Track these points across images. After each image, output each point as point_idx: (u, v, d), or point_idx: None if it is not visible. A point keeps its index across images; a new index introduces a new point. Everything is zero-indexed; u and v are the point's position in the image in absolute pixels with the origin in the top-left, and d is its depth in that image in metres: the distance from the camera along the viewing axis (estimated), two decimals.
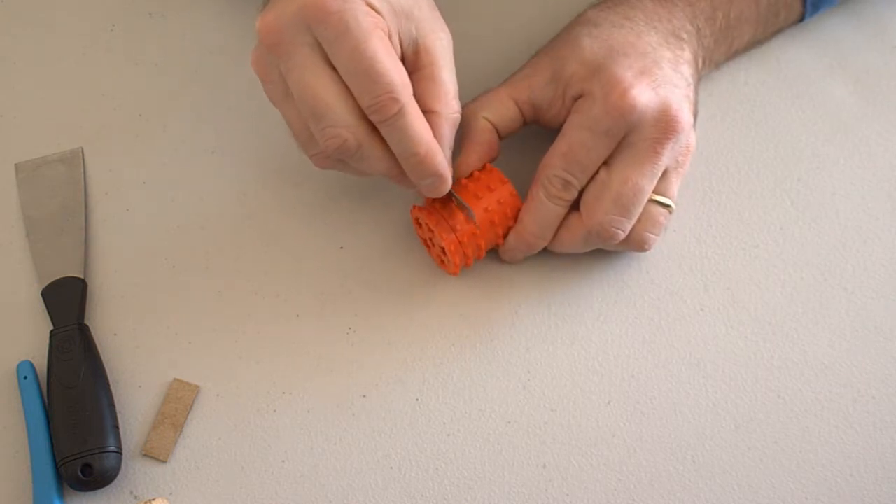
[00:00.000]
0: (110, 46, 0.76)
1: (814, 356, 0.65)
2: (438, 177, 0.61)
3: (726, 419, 0.64)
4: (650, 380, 0.65)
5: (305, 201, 0.70)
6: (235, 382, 0.66)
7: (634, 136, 0.62)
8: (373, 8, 0.57)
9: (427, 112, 0.60)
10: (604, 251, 0.67)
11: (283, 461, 0.64)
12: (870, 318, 0.66)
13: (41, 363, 0.66)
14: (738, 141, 0.71)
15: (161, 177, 0.72)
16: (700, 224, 0.69)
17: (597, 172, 0.63)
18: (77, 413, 0.63)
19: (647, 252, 0.67)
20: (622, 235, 0.63)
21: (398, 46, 0.60)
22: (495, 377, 0.65)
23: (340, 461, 0.63)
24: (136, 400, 0.65)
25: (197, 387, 0.65)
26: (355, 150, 0.59)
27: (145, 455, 0.64)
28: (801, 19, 0.72)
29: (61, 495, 0.62)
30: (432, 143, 0.60)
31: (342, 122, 0.58)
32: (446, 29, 0.62)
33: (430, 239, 0.66)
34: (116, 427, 0.63)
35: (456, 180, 0.63)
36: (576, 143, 0.62)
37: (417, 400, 0.65)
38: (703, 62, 0.68)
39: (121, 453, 0.63)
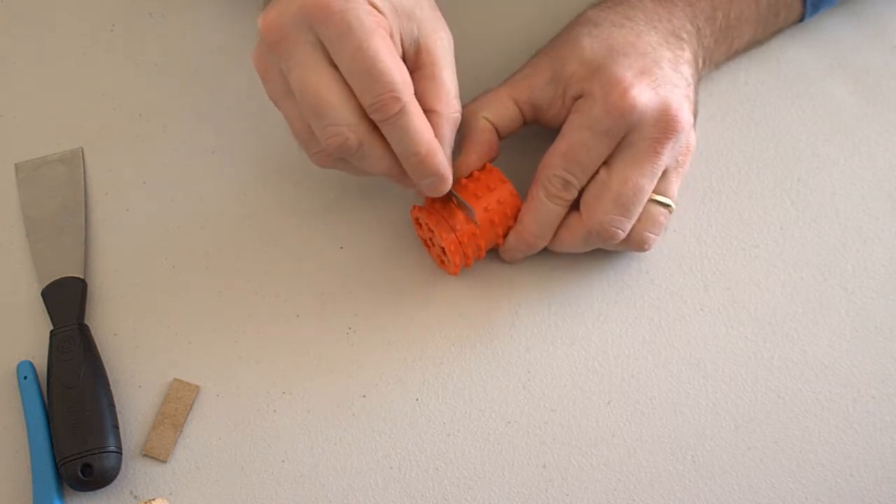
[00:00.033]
0: (110, 46, 0.76)
1: (814, 356, 0.65)
2: (439, 176, 0.61)
3: (726, 419, 0.64)
4: (650, 380, 0.65)
5: (305, 201, 0.70)
6: (235, 382, 0.66)
7: (634, 136, 0.62)
8: (375, 7, 0.57)
9: (428, 112, 0.60)
10: (604, 251, 0.67)
11: (283, 461, 0.64)
12: (870, 318, 0.66)
13: (41, 363, 0.66)
14: (738, 141, 0.71)
15: (161, 177, 0.72)
16: (700, 224, 0.69)
17: (597, 172, 0.63)
18: (77, 413, 0.63)
19: (647, 252, 0.67)
20: (622, 235, 0.63)
21: (400, 46, 0.60)
22: (495, 377, 0.65)
23: (340, 461, 0.63)
24: (136, 400, 0.65)
25: (197, 387, 0.65)
26: (356, 148, 0.59)
27: (145, 455, 0.64)
28: (801, 19, 0.72)
29: (61, 495, 0.62)
30: (433, 143, 0.60)
31: (344, 121, 0.58)
32: (447, 29, 0.63)
33: (430, 239, 0.66)
34: (116, 427, 0.63)
35: (456, 180, 0.63)
36: (576, 143, 0.62)
37: (417, 400, 0.65)
38: (703, 62, 0.68)
39: (121, 453, 0.63)
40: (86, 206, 0.71)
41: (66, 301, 0.67)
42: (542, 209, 0.63)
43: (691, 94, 0.64)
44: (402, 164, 0.60)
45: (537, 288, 0.67)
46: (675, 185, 0.64)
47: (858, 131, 0.71)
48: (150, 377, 0.66)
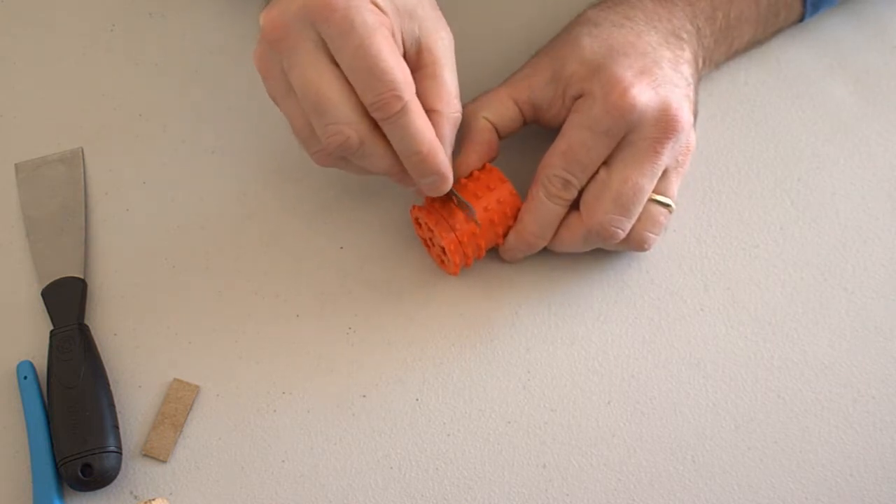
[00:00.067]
0: (110, 46, 0.76)
1: (814, 356, 0.65)
2: (439, 175, 0.61)
3: (726, 419, 0.64)
4: (650, 380, 0.65)
5: (305, 201, 0.70)
6: (235, 382, 0.66)
7: (634, 136, 0.62)
8: (377, 6, 0.57)
9: (428, 111, 0.60)
10: (604, 251, 0.67)
11: (283, 461, 0.64)
12: (870, 318, 0.66)
13: (41, 363, 0.66)
14: (738, 141, 0.71)
15: (161, 177, 0.72)
16: (700, 224, 0.69)
17: (597, 172, 0.63)
18: (77, 413, 0.63)
19: (647, 252, 0.67)
20: (622, 235, 0.63)
21: (401, 45, 0.60)
22: (495, 377, 0.65)
23: (340, 461, 0.63)
24: (136, 400, 0.65)
25: (197, 387, 0.65)
26: (357, 147, 0.59)
27: (145, 455, 0.64)
28: (801, 19, 0.72)
29: (61, 495, 0.62)
30: (434, 142, 0.60)
31: (345, 119, 0.58)
32: (448, 29, 0.63)
33: (430, 239, 0.66)
34: (116, 427, 0.63)
35: (456, 180, 0.63)
36: (576, 143, 0.62)
37: (417, 400, 0.65)
38: (703, 62, 0.68)
39: (121, 453, 0.63)
40: (86, 206, 0.71)
41: (66, 301, 0.67)
42: (542, 209, 0.63)
43: (691, 94, 0.64)
44: (402, 163, 0.60)
45: (537, 288, 0.67)
46: (675, 184, 0.64)
47: (858, 131, 0.71)
48: (150, 377, 0.66)
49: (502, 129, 0.66)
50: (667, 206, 0.64)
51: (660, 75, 0.62)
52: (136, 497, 0.63)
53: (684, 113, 0.62)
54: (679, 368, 0.65)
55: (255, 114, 0.73)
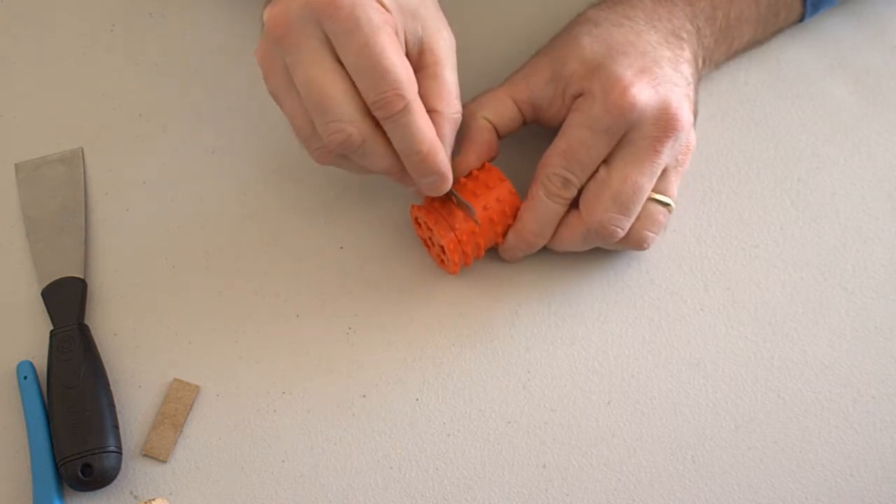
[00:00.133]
0: (110, 46, 0.76)
1: (814, 356, 0.65)
2: (440, 175, 0.61)
3: (726, 419, 0.64)
4: (650, 380, 0.65)
5: (305, 201, 0.70)
6: (235, 382, 0.66)
7: (634, 135, 0.62)
8: (382, 5, 0.57)
9: (429, 111, 0.60)
10: (603, 250, 0.67)
11: (283, 461, 0.64)
12: (870, 318, 0.66)
13: (41, 363, 0.66)
14: (738, 141, 0.71)
15: (161, 177, 0.72)
16: (700, 224, 0.69)
17: (596, 171, 0.63)
18: (77, 413, 0.63)
19: (647, 252, 0.67)
20: (621, 234, 0.63)
21: (404, 44, 0.60)
22: (495, 377, 0.65)
23: (340, 461, 0.63)
24: (136, 400, 0.65)
25: (197, 387, 0.65)
26: (358, 145, 0.59)
27: (145, 455, 0.64)
28: (801, 19, 0.72)
29: (61, 495, 0.62)
30: (435, 142, 0.60)
31: (347, 117, 0.58)
32: (449, 29, 0.63)
33: (430, 238, 0.66)
34: (116, 427, 0.63)
35: (455, 179, 0.63)
36: (575, 142, 0.62)
37: (417, 400, 0.65)
38: (703, 62, 0.68)
39: (121, 453, 0.63)
40: (86, 206, 0.71)
41: (66, 301, 0.67)
42: (542, 207, 0.63)
43: (691, 94, 0.64)
44: (402, 163, 0.60)
45: (537, 288, 0.67)
46: (674, 184, 0.64)
47: (858, 131, 0.71)
48: (150, 377, 0.66)
49: (502, 129, 0.66)
50: (666, 205, 0.64)
51: (660, 74, 0.62)
52: (136, 497, 0.63)
53: (684, 112, 0.62)
54: (679, 368, 0.65)
55: (255, 114, 0.73)
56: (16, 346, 0.67)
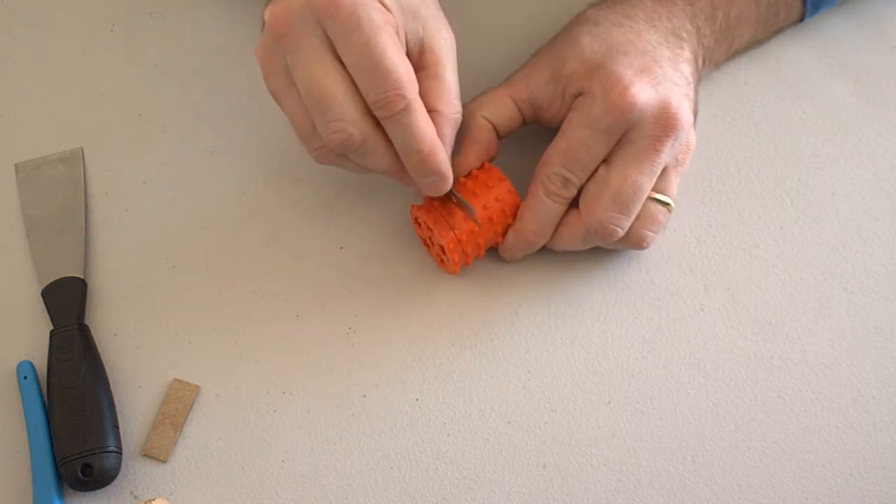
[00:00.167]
0: (110, 46, 0.76)
1: (814, 356, 0.65)
2: (440, 175, 0.61)
3: (726, 419, 0.64)
4: (650, 380, 0.65)
5: (305, 201, 0.70)
6: (235, 382, 0.66)
7: (634, 134, 0.62)
8: (383, 4, 0.57)
9: (430, 111, 0.60)
10: (603, 250, 0.67)
11: (283, 461, 0.64)
12: (870, 318, 0.66)
13: (41, 363, 0.66)
14: (738, 141, 0.71)
15: (161, 177, 0.72)
16: (700, 224, 0.69)
17: (596, 170, 0.63)
18: (77, 413, 0.63)
19: (647, 252, 0.67)
20: (621, 233, 0.63)
21: (405, 44, 0.60)
22: (495, 377, 0.65)
23: (340, 461, 0.63)
24: (136, 400, 0.65)
25: (197, 387, 0.65)
26: (359, 145, 0.59)
27: (145, 455, 0.64)
28: (801, 19, 0.72)
29: (61, 495, 0.62)
30: (435, 142, 0.60)
31: (348, 117, 0.58)
32: (450, 29, 0.63)
33: (430, 238, 0.66)
34: (116, 427, 0.63)
35: (455, 179, 0.63)
36: (575, 141, 0.62)
37: (417, 400, 0.65)
38: (703, 61, 0.68)
39: (121, 453, 0.63)
40: (86, 206, 0.71)
41: (66, 301, 0.67)
42: (542, 207, 0.64)
43: (691, 93, 0.64)
44: (402, 163, 0.60)
45: (537, 288, 0.67)
46: (674, 183, 0.64)
47: (858, 131, 0.71)
48: (150, 377, 0.66)
49: (501, 129, 0.66)
50: (666, 204, 0.64)
51: (659, 74, 0.62)
52: (136, 497, 0.63)
53: (684, 111, 0.62)
54: (679, 368, 0.65)
55: (255, 114, 0.73)
56: (16, 346, 0.67)
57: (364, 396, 0.65)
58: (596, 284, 0.67)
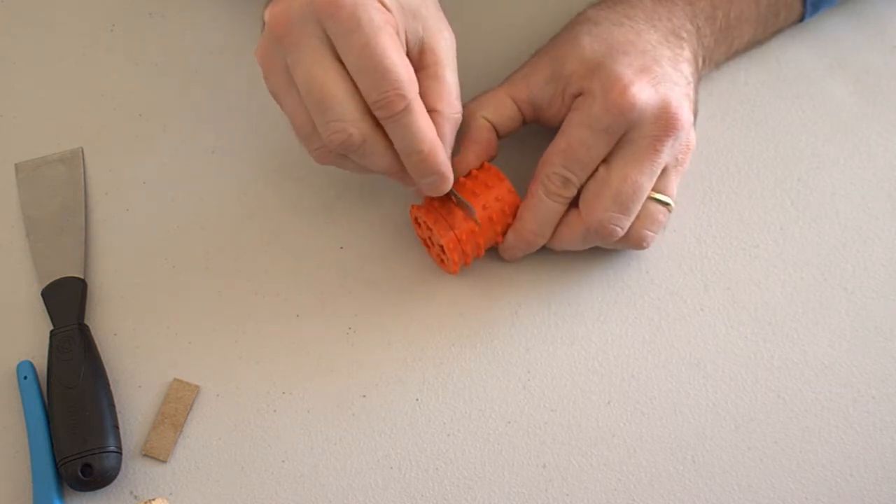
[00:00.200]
0: (110, 46, 0.76)
1: (814, 356, 0.65)
2: (440, 175, 0.61)
3: (726, 419, 0.64)
4: (650, 380, 0.65)
5: (305, 201, 0.70)
6: (235, 382, 0.66)
7: (634, 134, 0.62)
8: (383, 5, 0.57)
9: (430, 111, 0.60)
10: (603, 250, 0.67)
11: (283, 461, 0.64)
12: (870, 318, 0.66)
13: (41, 363, 0.66)
14: (738, 141, 0.71)
15: (161, 177, 0.72)
16: (700, 224, 0.69)
17: (596, 170, 0.63)
18: (77, 413, 0.63)
19: (647, 252, 0.67)
20: (621, 233, 0.63)
21: (405, 44, 0.60)
22: (495, 377, 0.65)
23: (340, 461, 0.63)
24: (136, 400, 0.65)
25: (197, 387, 0.65)
26: (359, 145, 0.59)
27: (145, 455, 0.64)
28: (801, 19, 0.72)
29: (61, 495, 0.62)
30: (435, 142, 0.60)
31: (348, 117, 0.58)
32: (450, 29, 0.63)
33: (430, 238, 0.66)
34: (116, 427, 0.63)
35: (454, 179, 0.63)
36: (575, 141, 0.62)
37: (417, 400, 0.65)
38: (703, 61, 0.68)
39: (121, 453, 0.63)
40: (86, 206, 0.71)
41: (66, 301, 0.67)
42: (542, 206, 0.64)
43: (691, 93, 0.64)
44: (402, 163, 0.60)
45: (537, 288, 0.67)
46: (674, 183, 0.64)
47: (858, 131, 0.71)
48: (150, 377, 0.66)
49: (501, 129, 0.66)
50: (666, 204, 0.64)
51: (659, 73, 0.62)
52: (136, 497, 0.63)
53: (684, 111, 0.62)
54: (679, 368, 0.65)
55: (255, 114, 0.73)
56: (16, 346, 0.67)
57: (364, 396, 0.65)
58: (596, 284, 0.67)
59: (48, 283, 0.67)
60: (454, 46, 0.62)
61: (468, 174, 0.65)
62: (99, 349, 0.66)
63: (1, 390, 0.66)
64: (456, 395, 0.65)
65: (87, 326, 0.66)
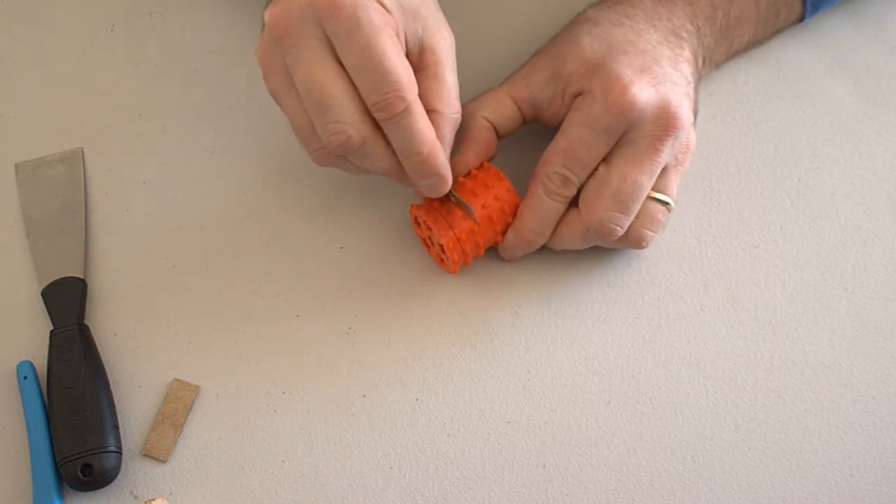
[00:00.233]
0: (110, 46, 0.76)
1: (814, 356, 0.65)
2: (439, 177, 0.61)
3: (726, 419, 0.64)
4: (650, 380, 0.65)
5: (305, 201, 0.70)
6: (235, 382, 0.66)
7: (634, 133, 0.62)
8: (383, 5, 0.57)
9: (429, 111, 0.60)
10: (603, 250, 0.67)
11: (283, 461, 0.64)
12: (870, 318, 0.66)
13: (41, 363, 0.66)
14: (738, 141, 0.71)
15: (161, 177, 0.72)
16: (700, 224, 0.69)
17: (596, 169, 0.63)
18: (77, 413, 0.63)
19: (647, 252, 0.67)
20: (620, 232, 0.63)
21: (405, 45, 0.60)
22: (495, 377, 0.65)
23: (340, 461, 0.63)
24: (136, 400, 0.65)
25: (197, 387, 0.65)
26: (358, 146, 0.59)
27: (145, 455, 0.64)
28: (801, 19, 0.72)
29: (61, 495, 0.62)
30: (435, 143, 0.60)
31: (347, 118, 0.58)
32: (450, 29, 0.63)
33: (429, 237, 0.66)
34: (116, 427, 0.63)
35: (454, 179, 0.63)
36: (575, 141, 0.62)
37: (417, 400, 0.65)
38: (703, 61, 0.68)
39: (121, 453, 0.63)
40: (86, 206, 0.71)
41: (66, 301, 0.67)
42: (542, 206, 0.64)
43: (691, 93, 0.64)
44: (402, 164, 0.60)
45: (537, 288, 0.67)
46: (674, 182, 0.64)
47: (858, 131, 0.71)
48: (150, 377, 0.66)
49: (501, 128, 0.66)
50: (666, 203, 0.64)
51: (659, 73, 0.62)
52: (136, 497, 0.63)
53: (684, 111, 0.62)
54: (679, 368, 0.65)
55: (255, 114, 0.73)
56: (16, 346, 0.67)
57: (364, 396, 0.65)
58: (596, 284, 0.67)
59: (48, 283, 0.67)
60: (454, 46, 0.62)
61: (468, 174, 0.65)
62: (99, 349, 0.66)
63: (1, 390, 0.66)
64: (456, 395, 0.65)
65: (87, 326, 0.66)
